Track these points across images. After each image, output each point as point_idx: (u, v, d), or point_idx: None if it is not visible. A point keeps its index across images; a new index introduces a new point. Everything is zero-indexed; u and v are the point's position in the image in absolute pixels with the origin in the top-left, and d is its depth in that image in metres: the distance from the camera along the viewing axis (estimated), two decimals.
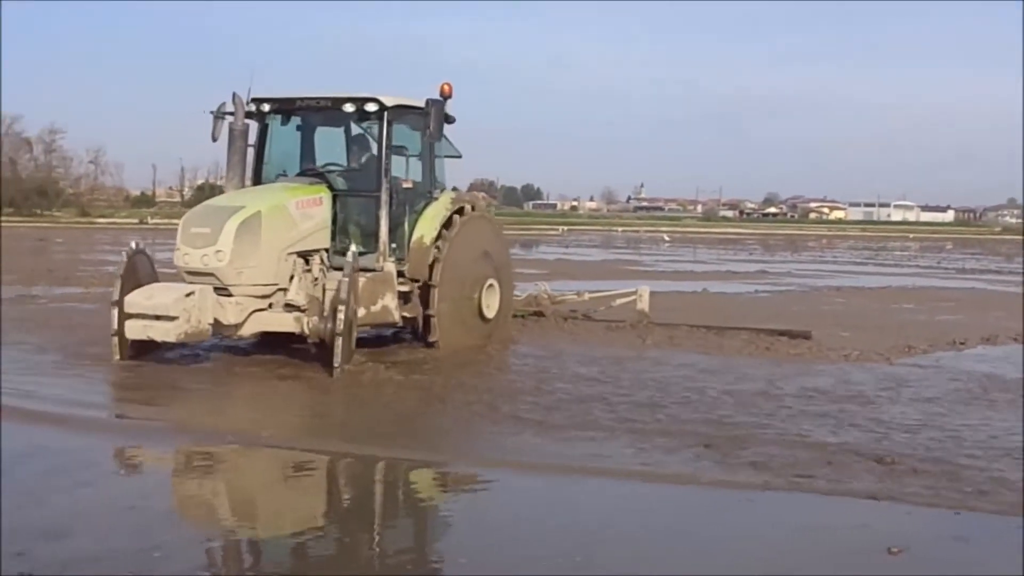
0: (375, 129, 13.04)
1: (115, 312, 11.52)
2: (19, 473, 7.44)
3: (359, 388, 10.97)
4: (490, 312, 14.01)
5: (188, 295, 11.17)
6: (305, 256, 12.25)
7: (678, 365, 12.60)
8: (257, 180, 13.30)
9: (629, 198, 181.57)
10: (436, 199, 13.46)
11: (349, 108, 12.71)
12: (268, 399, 10.85)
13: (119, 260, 12.05)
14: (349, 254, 11.66)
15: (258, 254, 11.58)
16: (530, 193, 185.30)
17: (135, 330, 11.34)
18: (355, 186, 13.08)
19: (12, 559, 5.57)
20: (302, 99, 13.22)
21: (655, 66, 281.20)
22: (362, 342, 12.23)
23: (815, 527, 6.75)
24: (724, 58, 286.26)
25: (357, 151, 13.55)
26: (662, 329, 15.65)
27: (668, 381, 11.42)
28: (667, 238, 68.98)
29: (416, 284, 12.99)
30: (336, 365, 11.14)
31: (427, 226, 13.16)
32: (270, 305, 11.99)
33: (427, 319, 12.95)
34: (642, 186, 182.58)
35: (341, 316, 11.13)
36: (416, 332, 13.41)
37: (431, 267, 12.95)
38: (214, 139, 13.04)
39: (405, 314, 12.85)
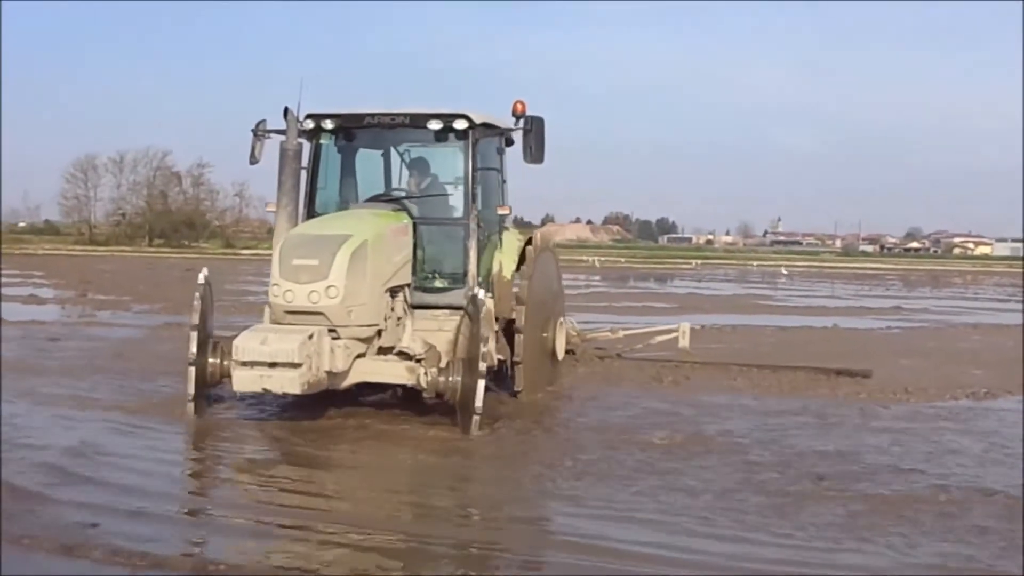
0: (455, 149, 11.50)
1: (192, 371, 10.26)
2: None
3: (504, 448, 9.59)
4: (560, 352, 12.98)
5: (310, 338, 9.55)
6: (392, 292, 10.63)
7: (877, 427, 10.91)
8: (311, 208, 11.64)
9: (766, 232, 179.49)
10: (507, 228, 12.29)
11: (435, 125, 11.17)
12: (417, 473, 8.98)
13: (193, 305, 10.48)
14: (477, 294, 10.36)
15: (366, 290, 9.98)
16: (665, 227, 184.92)
17: (247, 381, 9.63)
18: (437, 213, 11.58)
19: None
20: (372, 115, 11.54)
21: (795, 98, 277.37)
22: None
23: None
24: (866, 88, 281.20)
25: (434, 174, 11.91)
26: (715, 369, 14.74)
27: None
28: (785, 271, 67.94)
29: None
30: (476, 430, 9.83)
31: (507, 259, 11.95)
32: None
33: (514, 365, 11.57)
34: (779, 220, 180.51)
35: (483, 369, 9.84)
36: (504, 375, 11.84)
37: (514, 306, 11.58)
38: (254, 161, 11.50)
39: (499, 356, 11.50)
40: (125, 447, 9.30)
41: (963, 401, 12.97)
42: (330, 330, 9.85)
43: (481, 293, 10.42)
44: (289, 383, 9.45)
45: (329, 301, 9.72)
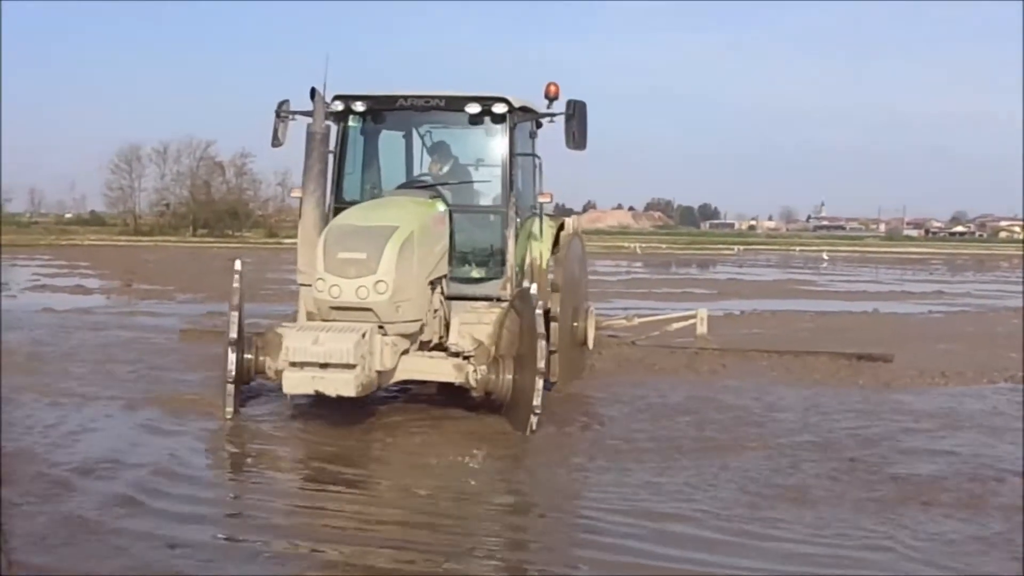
0: (491, 133, 11.04)
1: (232, 356, 9.74)
2: None
3: (552, 448, 9.11)
4: (591, 341, 12.50)
5: (363, 336, 9.00)
6: (432, 285, 10.07)
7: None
8: (339, 194, 11.09)
9: (809, 217, 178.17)
10: (537, 215, 11.54)
11: (473, 109, 10.63)
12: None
13: (232, 288, 10.00)
14: (530, 290, 9.81)
15: (413, 283, 9.46)
16: (707, 212, 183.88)
17: (298, 382, 9.05)
18: (474, 201, 11.19)
19: None
20: (405, 97, 11.00)
21: (837, 85, 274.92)
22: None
23: None
24: (912, 76, 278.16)
25: (461, 159, 11.46)
26: (735, 355, 14.45)
27: None
28: (825, 256, 67.53)
29: None
30: (534, 428, 9.35)
31: (543, 246, 11.46)
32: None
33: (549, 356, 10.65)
34: (822, 205, 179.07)
35: (542, 364, 9.31)
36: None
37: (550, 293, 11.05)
38: (276, 143, 10.96)
39: None
40: (159, 452, 8.70)
41: (1000, 384, 13.02)
42: (378, 327, 9.36)
43: (531, 287, 9.89)
44: (344, 385, 8.88)
45: (378, 297, 9.15)
